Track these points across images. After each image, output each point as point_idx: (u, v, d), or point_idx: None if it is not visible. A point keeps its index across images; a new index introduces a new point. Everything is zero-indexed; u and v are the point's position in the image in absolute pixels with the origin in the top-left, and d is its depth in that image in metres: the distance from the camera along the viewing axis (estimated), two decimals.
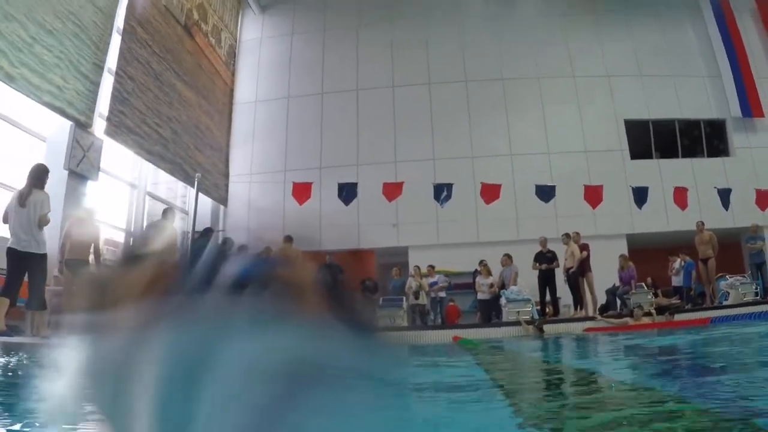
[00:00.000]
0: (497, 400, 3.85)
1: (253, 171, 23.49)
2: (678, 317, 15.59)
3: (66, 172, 13.81)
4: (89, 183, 14.99)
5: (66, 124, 14.07)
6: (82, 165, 14.47)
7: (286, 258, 0.76)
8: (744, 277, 17.78)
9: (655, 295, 17.93)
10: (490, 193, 19.69)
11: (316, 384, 0.64)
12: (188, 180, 19.12)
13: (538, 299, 17.59)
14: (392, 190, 19.83)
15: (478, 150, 22.76)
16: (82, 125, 14.41)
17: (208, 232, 14.45)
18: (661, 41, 24.26)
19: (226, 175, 23.45)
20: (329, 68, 24.64)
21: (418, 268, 18.72)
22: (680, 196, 19.95)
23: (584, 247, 17.37)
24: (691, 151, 23.59)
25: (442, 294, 18.95)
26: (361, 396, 0.66)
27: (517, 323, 15.81)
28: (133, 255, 0.81)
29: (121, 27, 16.44)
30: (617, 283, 18.52)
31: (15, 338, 9.33)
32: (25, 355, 6.82)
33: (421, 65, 24.19)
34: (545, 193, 19.57)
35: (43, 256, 9.86)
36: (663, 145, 23.65)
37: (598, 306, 17.49)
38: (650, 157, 23.39)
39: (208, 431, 0.61)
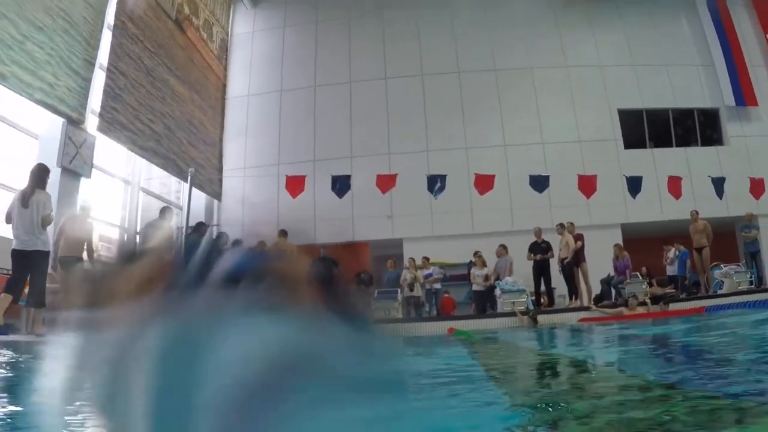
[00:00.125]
0: (490, 389, 3.86)
1: (247, 165, 23.46)
2: (673, 306, 15.65)
3: (59, 170, 13.76)
4: (82, 180, 14.95)
5: (58, 121, 14.01)
6: (75, 162, 14.43)
7: (280, 252, 0.76)
8: (738, 265, 17.83)
9: (650, 284, 17.98)
10: (484, 183, 19.69)
11: (311, 376, 0.64)
12: (182, 175, 19.09)
13: (532, 290, 17.62)
14: (386, 182, 19.82)
15: (472, 141, 22.76)
16: (74, 122, 14.36)
17: (200, 227, 14.44)
18: (654, 30, 24.26)
19: (220, 170, 23.42)
20: (321, 61, 24.60)
21: (413, 260, 18.74)
22: (674, 186, 19.98)
23: (579, 237, 17.40)
24: (685, 140, 23.61)
25: (437, 286, 18.96)
26: (356, 388, 0.66)
27: (512, 314, 15.85)
28: (129, 252, 0.82)
29: (112, 23, 16.37)
30: (612, 273, 18.57)
31: (10, 336, 9.33)
32: (18, 354, 6.81)
33: (414, 57, 24.15)
34: (539, 183, 19.58)
35: (45, 254, 9.92)
36: (657, 134, 23.68)
37: (593, 296, 17.53)
38: (644, 146, 23.43)
39: (203, 426, 0.62)
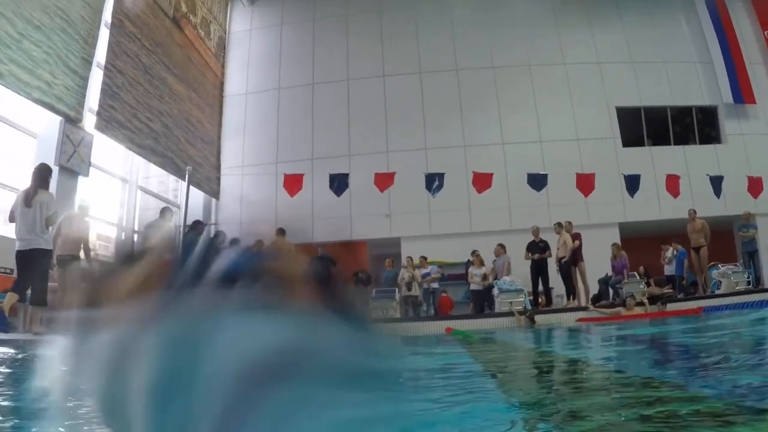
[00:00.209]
0: (488, 388, 3.86)
1: (245, 163, 23.46)
2: (670, 307, 15.64)
3: (57, 168, 13.75)
4: (80, 178, 14.95)
5: (56, 120, 14.02)
6: (72, 160, 14.44)
7: (277, 251, 0.76)
8: (736, 265, 17.84)
9: (648, 284, 17.98)
10: (482, 182, 19.67)
11: (308, 375, 0.64)
12: (179, 173, 19.09)
13: (530, 289, 17.62)
14: (384, 181, 19.80)
15: (470, 139, 22.76)
16: (71, 120, 14.37)
17: (197, 225, 14.46)
18: (652, 28, 24.27)
19: (218, 168, 23.42)
20: (319, 59, 24.59)
21: (411, 259, 18.75)
22: (672, 184, 19.98)
23: (576, 237, 17.38)
24: (683, 139, 23.64)
25: (435, 285, 18.97)
26: (354, 386, 0.66)
27: (509, 314, 15.85)
28: (127, 252, 0.82)
29: (109, 21, 16.36)
30: (610, 273, 18.58)
31: (8, 334, 9.34)
32: (16, 352, 6.81)
33: (412, 54, 24.15)
34: (537, 181, 19.57)
35: (46, 252, 9.96)
36: (655, 132, 23.69)
37: (591, 296, 17.52)
38: (642, 144, 23.44)
39: (201, 424, 0.61)
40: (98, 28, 15.64)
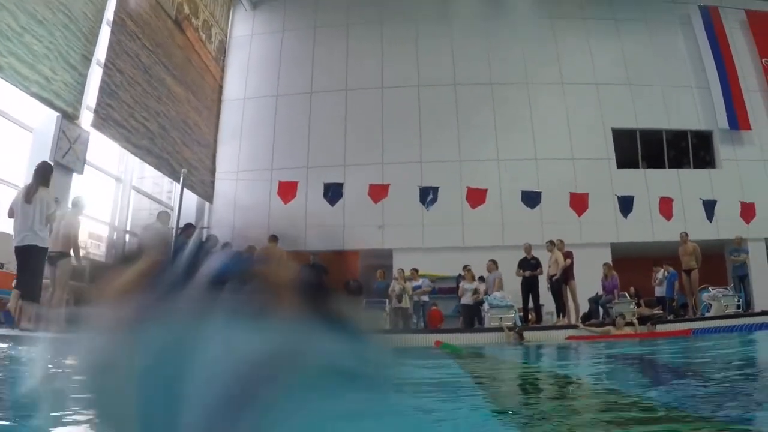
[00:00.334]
0: (474, 397, 3.85)
1: (240, 168, 23.44)
2: (660, 328, 15.66)
3: (52, 164, 13.72)
4: (74, 175, 14.92)
5: (53, 116, 14.01)
6: (68, 157, 14.42)
7: (267, 256, 0.76)
8: (727, 289, 17.92)
9: (638, 304, 18.03)
10: (476, 197, 19.70)
11: (290, 377, 0.64)
12: (174, 175, 19.06)
13: (520, 306, 17.62)
14: (378, 192, 19.81)
15: (465, 154, 22.79)
16: (69, 117, 14.36)
17: (188, 228, 14.48)
18: (650, 51, 24.39)
19: (213, 172, 23.38)
20: (319, 67, 24.62)
21: (402, 271, 18.72)
22: (665, 207, 20.03)
23: (568, 255, 17.40)
24: (678, 162, 23.72)
25: (426, 298, 18.95)
26: (338, 390, 0.66)
27: (499, 329, 15.84)
28: (120, 253, 0.83)
29: (111, 19, 16.37)
30: (600, 292, 18.60)
31: None
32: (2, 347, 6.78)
33: (411, 67, 24.20)
34: (531, 199, 19.61)
35: (41, 249, 9.96)
36: (650, 154, 23.76)
37: (581, 314, 17.53)
38: (637, 166, 23.50)
39: (189, 422, 0.62)
40: (100, 25, 15.65)
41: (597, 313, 18.43)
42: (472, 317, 17.99)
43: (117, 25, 16.51)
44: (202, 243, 0.77)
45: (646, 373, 6.23)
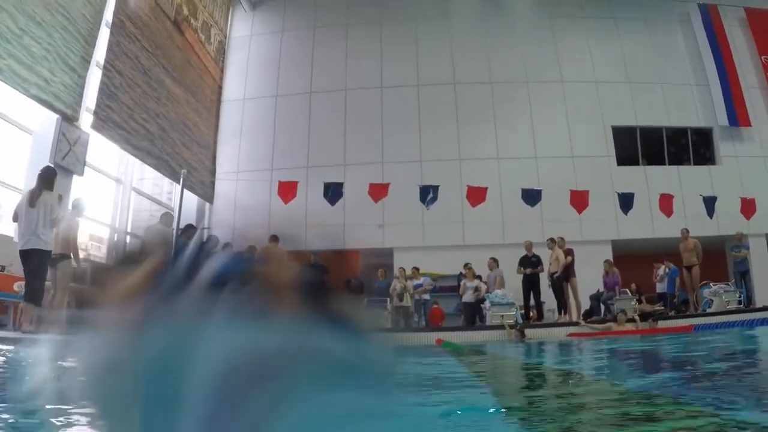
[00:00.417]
0: (475, 394, 3.85)
1: (240, 169, 23.43)
2: (661, 324, 15.66)
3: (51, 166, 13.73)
4: (75, 177, 14.93)
5: (53, 118, 14.00)
6: (67, 159, 14.42)
7: (268, 256, 0.76)
8: (728, 285, 17.94)
9: (639, 301, 18.05)
10: (476, 196, 19.69)
11: (293, 376, 0.64)
12: (174, 176, 19.06)
13: (522, 303, 17.63)
14: (378, 191, 19.80)
15: (465, 153, 22.79)
16: (68, 119, 14.36)
17: (188, 229, 14.51)
18: (649, 48, 24.40)
19: (213, 173, 23.38)
20: (318, 67, 24.62)
21: (403, 269, 18.71)
22: (666, 203, 20.03)
23: (569, 252, 17.41)
24: (678, 159, 23.74)
25: (427, 296, 18.95)
26: (340, 389, 0.66)
27: (500, 327, 15.83)
28: (121, 255, 0.83)
29: (110, 20, 16.36)
30: (601, 289, 18.60)
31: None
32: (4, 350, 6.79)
33: (410, 66, 24.19)
34: (531, 197, 19.60)
35: (43, 252, 9.99)
36: (650, 152, 23.77)
37: (582, 311, 17.53)
38: (637, 163, 23.51)
39: (189, 423, 0.62)
40: (99, 27, 15.64)
41: (598, 310, 18.44)
42: (473, 315, 17.98)
43: (116, 27, 16.50)
44: (202, 244, 0.77)
45: (648, 368, 6.23)
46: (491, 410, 3.22)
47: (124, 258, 0.82)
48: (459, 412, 3.10)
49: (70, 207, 12.17)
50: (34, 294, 9.88)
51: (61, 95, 13.93)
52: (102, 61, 15.86)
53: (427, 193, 19.74)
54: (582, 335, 14.92)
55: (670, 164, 23.51)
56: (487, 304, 17.15)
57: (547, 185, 20.01)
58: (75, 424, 1.73)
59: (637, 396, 3.60)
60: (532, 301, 17.74)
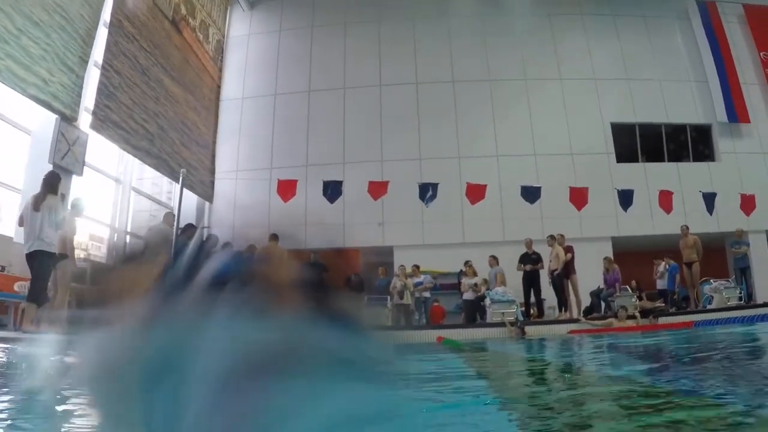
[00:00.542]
0: (477, 391, 3.85)
1: (239, 168, 23.43)
2: (662, 320, 15.66)
3: (50, 166, 13.72)
4: (74, 177, 14.92)
5: (51, 118, 14.00)
6: (66, 159, 14.41)
7: (268, 255, 0.76)
8: (728, 281, 17.95)
9: (640, 298, 18.03)
10: (476, 193, 19.68)
11: (294, 374, 0.64)
12: (173, 176, 19.04)
13: (522, 300, 17.64)
14: (377, 189, 19.78)
15: (464, 150, 22.79)
16: (67, 119, 14.35)
17: (188, 229, 14.53)
18: (648, 45, 24.41)
19: (212, 172, 23.37)
20: (316, 66, 24.61)
21: (404, 267, 18.71)
22: (665, 200, 20.02)
23: (569, 249, 17.42)
24: (677, 156, 23.74)
25: (427, 294, 18.94)
26: (340, 387, 0.66)
27: (501, 324, 15.84)
28: (122, 255, 0.83)
29: (108, 20, 16.34)
30: (602, 286, 18.60)
31: None
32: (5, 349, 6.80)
33: (409, 65, 24.19)
34: (531, 194, 19.58)
35: (45, 254, 10.04)
36: (649, 148, 23.78)
37: (582, 308, 17.54)
38: (636, 160, 23.51)
39: (190, 421, 0.62)
40: (97, 27, 15.62)
41: (599, 306, 18.45)
42: (473, 313, 17.99)
43: (114, 27, 16.48)
44: (202, 243, 0.77)
45: (648, 363, 6.24)
46: (490, 405, 3.22)
47: (128, 257, 0.82)
48: (459, 407, 3.10)
49: (69, 207, 12.19)
50: (36, 294, 9.92)
51: (59, 95, 13.92)
52: (100, 61, 15.84)
53: (427, 191, 19.73)
54: (583, 332, 14.93)
55: (669, 161, 23.52)
56: (487, 301, 17.16)
57: (546, 182, 19.99)
58: (76, 424, 1.73)
59: (638, 388, 3.61)
60: (532, 299, 17.75)
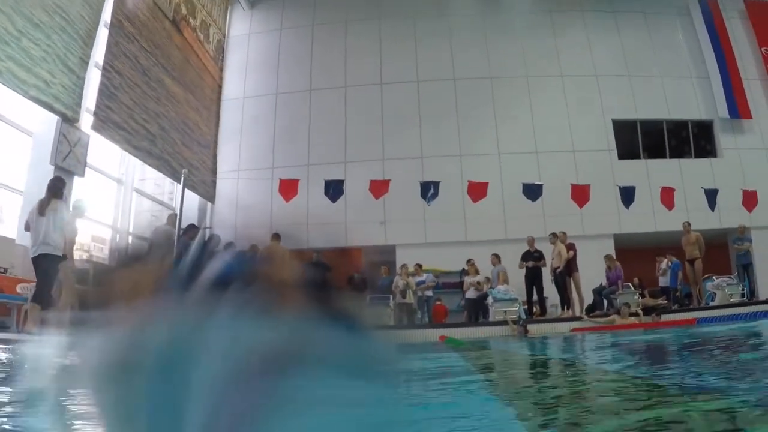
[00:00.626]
0: (479, 389, 3.85)
1: (241, 167, 23.43)
2: (664, 318, 15.66)
3: (52, 167, 13.74)
4: (75, 178, 14.93)
5: (53, 119, 14.00)
6: (68, 160, 14.41)
7: (270, 255, 0.76)
8: (731, 278, 17.95)
9: (642, 295, 18.04)
10: (477, 191, 19.67)
11: (297, 373, 0.64)
12: (175, 176, 19.04)
13: (525, 299, 17.63)
14: (379, 188, 19.78)
15: (466, 148, 22.78)
16: (68, 120, 14.35)
17: (190, 229, 14.56)
18: (649, 41, 24.40)
19: (214, 172, 23.37)
20: (317, 65, 24.60)
21: (406, 266, 18.71)
22: (667, 197, 20.01)
23: (571, 247, 17.41)
24: (679, 152, 23.72)
25: (429, 293, 18.94)
26: (344, 387, 0.66)
27: (503, 323, 15.84)
28: (125, 256, 0.83)
29: (109, 21, 16.34)
30: (604, 283, 18.58)
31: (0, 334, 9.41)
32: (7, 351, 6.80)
33: (410, 63, 24.18)
34: (532, 192, 19.57)
35: (50, 257, 10.06)
36: (651, 145, 23.76)
37: (585, 306, 17.54)
38: (638, 157, 23.50)
39: (194, 423, 0.62)
40: (97, 27, 15.62)
41: (601, 304, 18.43)
42: (476, 311, 17.99)
43: (114, 27, 16.48)
44: (205, 244, 0.77)
45: (651, 359, 6.24)
46: (493, 402, 3.22)
47: (132, 258, 0.82)
48: (461, 406, 3.10)
49: (70, 208, 12.21)
50: (41, 296, 9.95)
51: (60, 96, 13.92)
52: (101, 62, 15.85)
53: (428, 189, 19.72)
54: (586, 329, 14.93)
55: (671, 157, 23.50)
56: (490, 300, 17.16)
57: (548, 180, 19.98)
58: (78, 424, 1.73)
59: (640, 384, 3.61)
60: (535, 297, 17.74)
